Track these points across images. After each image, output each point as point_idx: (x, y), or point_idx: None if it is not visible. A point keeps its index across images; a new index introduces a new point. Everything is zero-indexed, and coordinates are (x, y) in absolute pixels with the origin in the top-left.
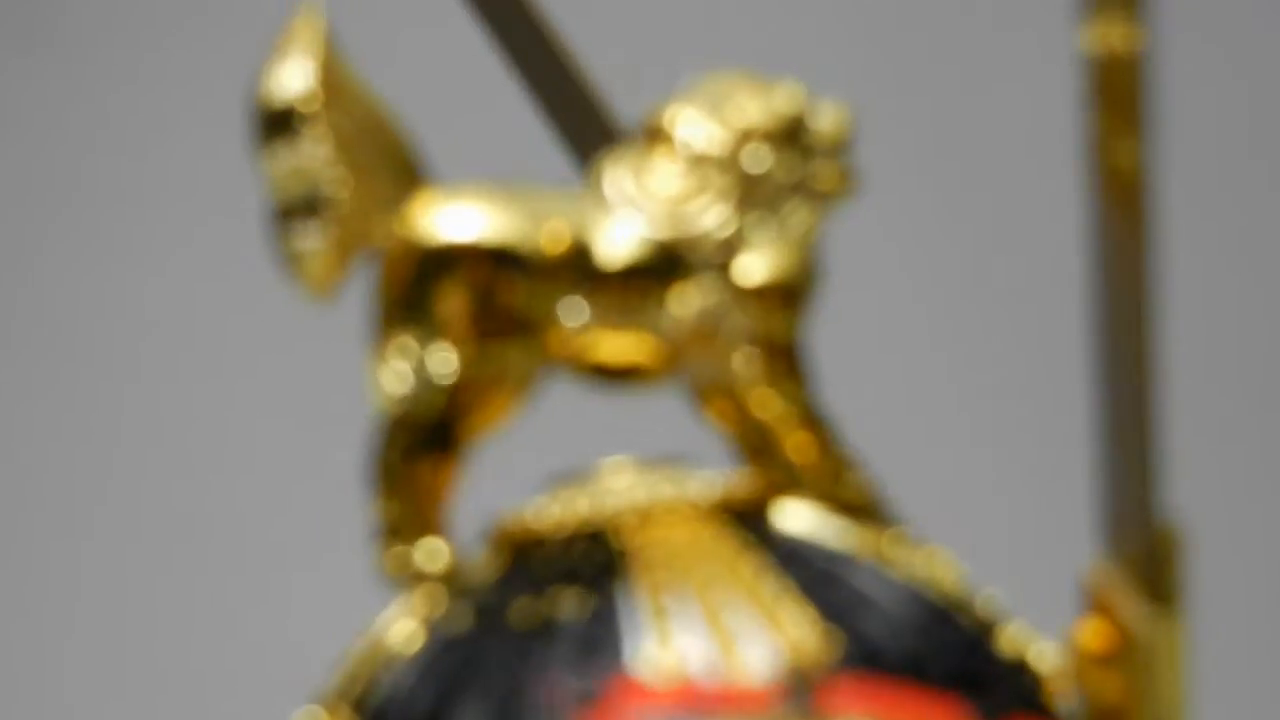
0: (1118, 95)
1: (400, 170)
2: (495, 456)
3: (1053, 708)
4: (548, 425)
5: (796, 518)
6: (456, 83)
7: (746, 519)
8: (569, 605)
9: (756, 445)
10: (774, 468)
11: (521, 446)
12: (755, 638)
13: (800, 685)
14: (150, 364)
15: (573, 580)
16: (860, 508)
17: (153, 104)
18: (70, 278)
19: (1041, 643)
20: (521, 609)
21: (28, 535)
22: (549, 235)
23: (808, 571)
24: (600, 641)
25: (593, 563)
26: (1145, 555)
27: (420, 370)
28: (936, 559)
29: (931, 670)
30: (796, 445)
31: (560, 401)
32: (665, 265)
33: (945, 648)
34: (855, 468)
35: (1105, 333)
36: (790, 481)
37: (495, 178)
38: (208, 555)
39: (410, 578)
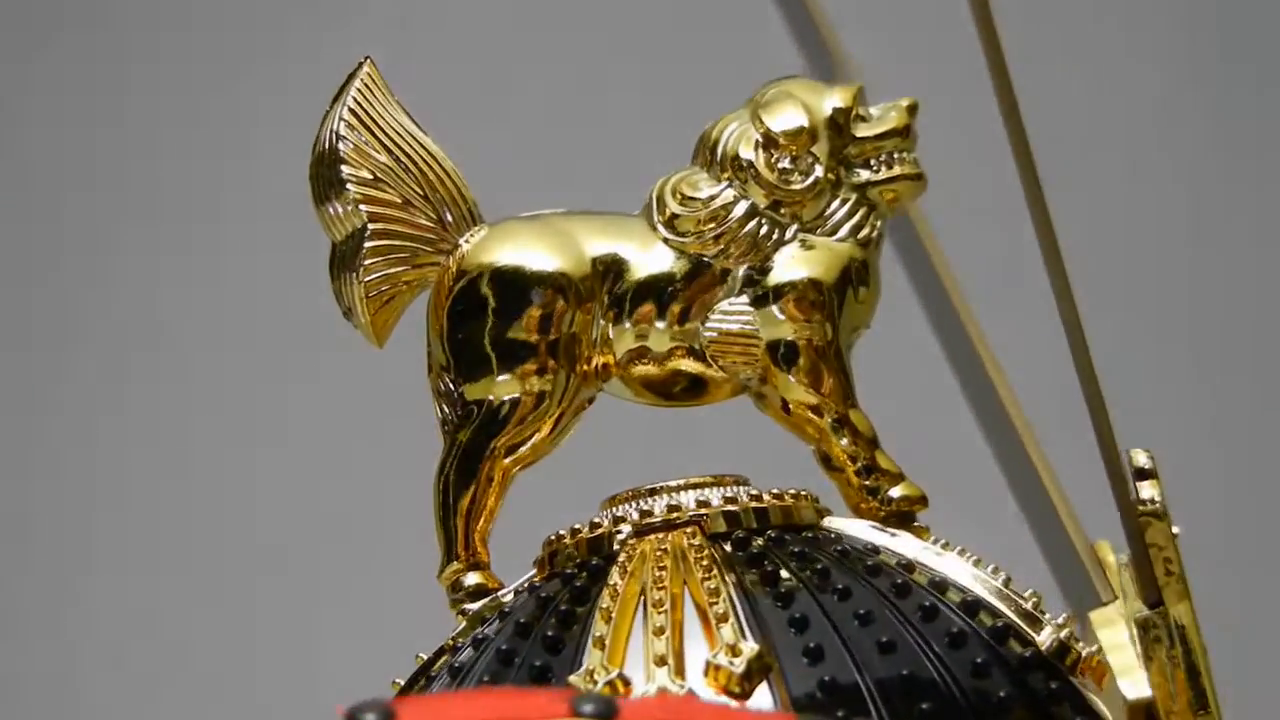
0: None
1: (451, 208)
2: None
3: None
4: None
5: (829, 527)
6: (510, 123)
7: (752, 534)
8: (546, 623)
9: (820, 451)
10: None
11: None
12: (687, 655)
13: (606, 704)
14: (230, 397)
15: (562, 598)
16: (898, 514)
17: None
18: (154, 325)
19: (1072, 641)
20: (515, 627)
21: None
22: (591, 261)
23: (784, 589)
24: (550, 657)
25: (581, 581)
26: (1134, 551)
27: (469, 400)
28: (969, 562)
29: (878, 692)
30: (836, 451)
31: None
32: (701, 276)
33: (908, 662)
34: (894, 474)
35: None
36: (845, 489)
37: (544, 206)
38: (292, 573)
39: (458, 598)
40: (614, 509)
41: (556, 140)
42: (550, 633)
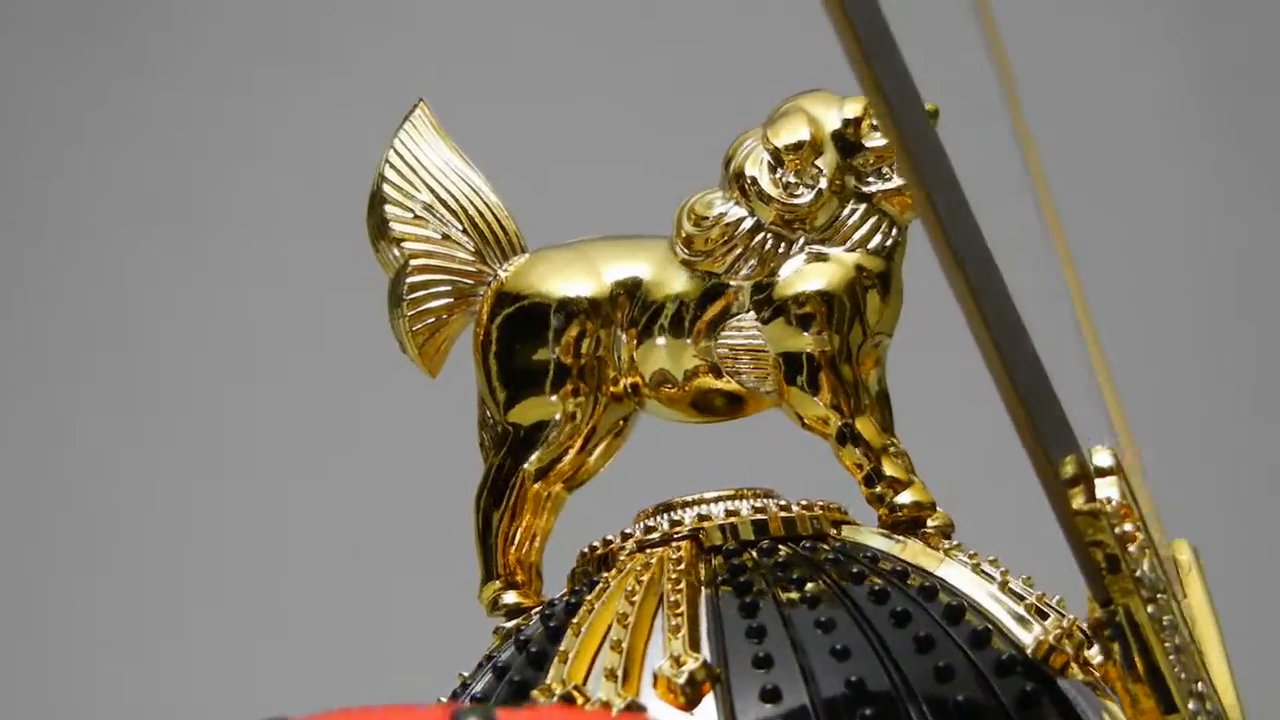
0: None
1: (492, 240)
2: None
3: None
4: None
5: (839, 536)
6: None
7: (745, 546)
8: (537, 639)
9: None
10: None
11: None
12: (645, 667)
13: (484, 716)
14: (293, 430)
15: (557, 614)
16: (909, 520)
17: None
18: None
19: (1064, 643)
20: (517, 643)
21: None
22: (613, 285)
23: (749, 600)
24: (534, 672)
25: (576, 597)
26: (1072, 549)
27: (501, 424)
28: (971, 565)
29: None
30: (845, 461)
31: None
32: (715, 294)
33: (861, 668)
34: (901, 480)
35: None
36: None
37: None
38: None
39: (495, 616)
40: (635, 524)
41: (622, 167)
42: (535, 648)
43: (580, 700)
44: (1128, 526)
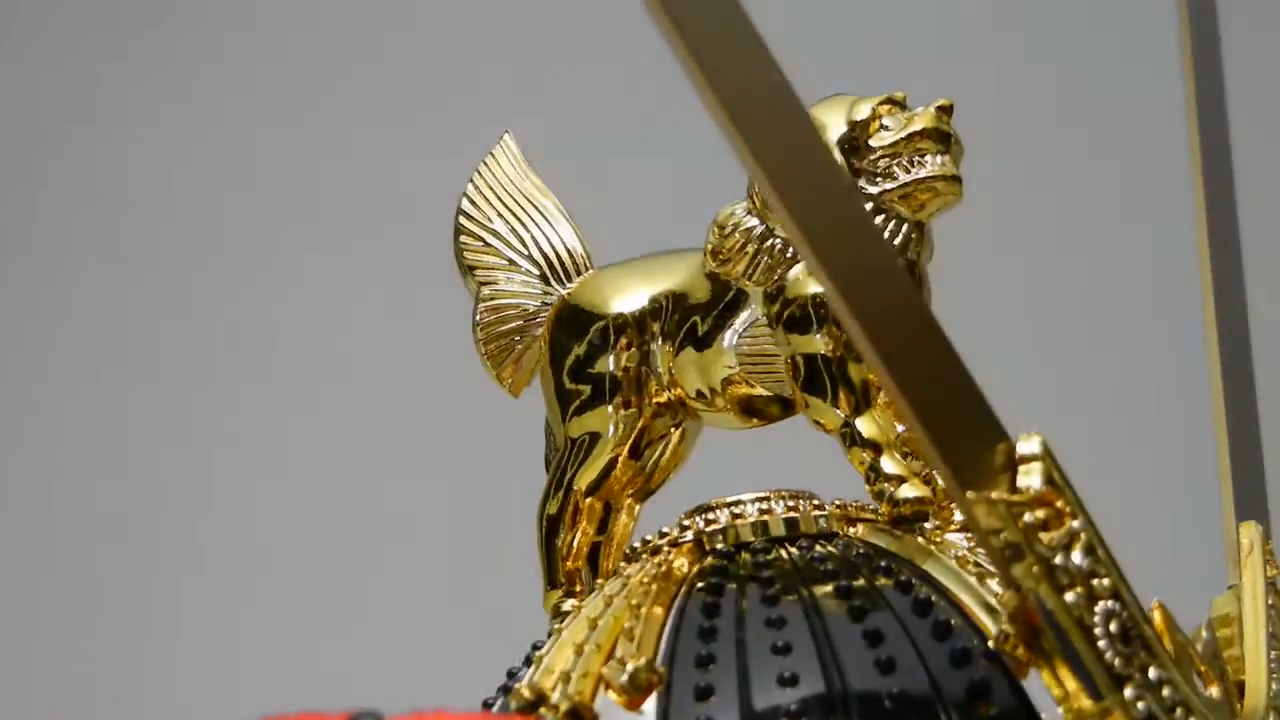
0: None
1: (558, 261)
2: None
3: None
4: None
5: (842, 535)
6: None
7: (740, 548)
8: (540, 643)
9: None
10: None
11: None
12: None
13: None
14: (378, 442)
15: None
16: (911, 515)
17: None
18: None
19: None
20: (531, 647)
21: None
22: (651, 299)
23: (711, 601)
24: (520, 674)
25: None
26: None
27: (556, 437)
28: (955, 556)
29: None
30: (852, 459)
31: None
32: (737, 302)
33: (797, 663)
34: (899, 476)
35: None
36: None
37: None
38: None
39: (555, 622)
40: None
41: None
42: (528, 653)
43: (545, 705)
44: (1039, 513)
